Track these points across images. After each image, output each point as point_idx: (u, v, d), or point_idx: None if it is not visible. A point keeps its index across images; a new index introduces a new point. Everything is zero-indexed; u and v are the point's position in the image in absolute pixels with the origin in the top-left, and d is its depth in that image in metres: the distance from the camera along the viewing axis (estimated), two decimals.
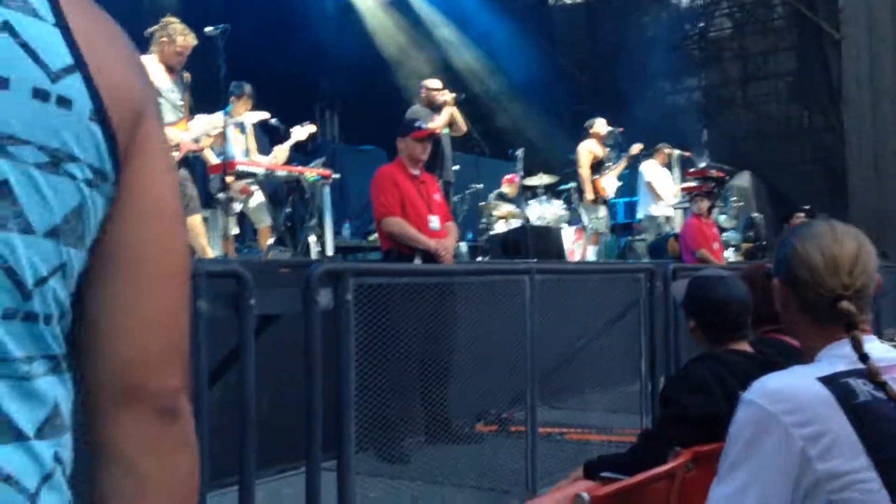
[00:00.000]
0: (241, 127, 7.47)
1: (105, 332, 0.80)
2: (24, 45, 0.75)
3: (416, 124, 5.79)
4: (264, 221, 7.63)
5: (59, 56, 0.77)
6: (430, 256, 5.31)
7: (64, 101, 0.76)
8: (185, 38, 6.16)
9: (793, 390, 1.56)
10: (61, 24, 0.78)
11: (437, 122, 7.52)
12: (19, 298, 0.74)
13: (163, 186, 0.85)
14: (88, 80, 0.78)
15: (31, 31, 0.76)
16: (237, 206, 7.35)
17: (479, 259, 9.19)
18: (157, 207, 0.83)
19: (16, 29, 0.75)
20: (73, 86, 0.77)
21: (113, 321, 0.80)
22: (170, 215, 0.85)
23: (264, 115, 7.57)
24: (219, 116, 6.77)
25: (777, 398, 1.55)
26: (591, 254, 9.67)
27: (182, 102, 6.36)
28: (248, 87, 7.62)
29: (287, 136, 7.74)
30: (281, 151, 7.67)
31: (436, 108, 7.82)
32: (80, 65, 0.78)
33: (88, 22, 0.81)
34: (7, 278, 0.73)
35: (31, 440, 0.74)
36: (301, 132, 7.79)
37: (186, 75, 6.44)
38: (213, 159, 7.29)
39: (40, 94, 0.75)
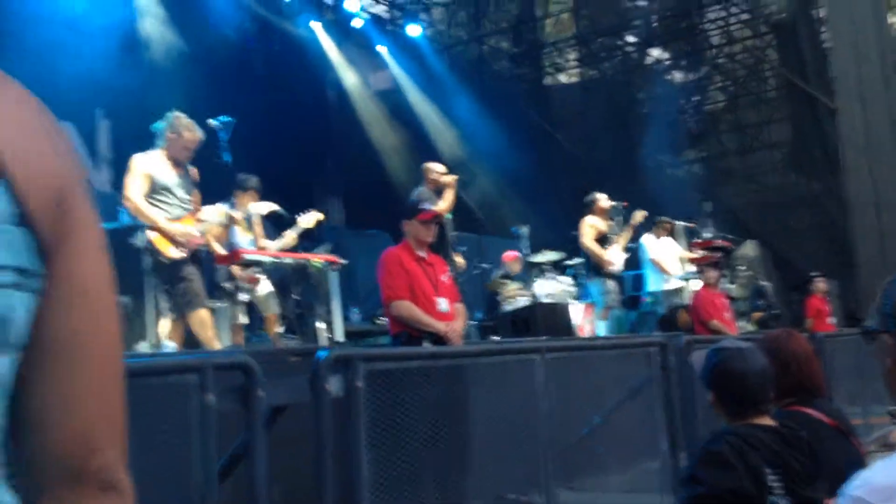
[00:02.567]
0: (248, 219, 7.51)
1: (41, 417, 0.81)
2: None
3: (422, 206, 5.81)
4: (272, 309, 7.60)
5: None
6: (439, 339, 5.26)
7: None
8: (192, 133, 6.24)
9: None
10: None
11: (444, 204, 7.56)
12: None
13: (92, 267, 0.84)
14: (9, 184, 0.76)
15: None
16: (245, 296, 7.33)
17: (490, 339, 9.10)
18: (85, 291, 0.83)
19: None
20: None
21: (48, 407, 0.81)
22: (99, 297, 0.84)
23: (272, 206, 7.62)
24: (223, 208, 6.81)
25: (888, 495, 1.40)
26: (601, 329, 9.58)
27: (190, 197, 6.39)
28: (254, 180, 7.70)
29: (292, 224, 7.78)
30: (289, 238, 7.69)
31: (439, 190, 7.86)
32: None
33: (4, 109, 0.79)
34: None
35: None
36: (308, 220, 7.82)
37: (193, 170, 6.49)
38: (219, 250, 7.30)
39: None
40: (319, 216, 7.96)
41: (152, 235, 6.07)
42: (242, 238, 7.64)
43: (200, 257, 6.46)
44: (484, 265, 9.86)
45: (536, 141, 17.98)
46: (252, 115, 11.19)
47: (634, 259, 11.11)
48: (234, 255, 6.67)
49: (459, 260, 8.35)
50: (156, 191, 6.17)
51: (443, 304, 5.51)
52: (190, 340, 6.57)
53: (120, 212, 6.28)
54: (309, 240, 13.42)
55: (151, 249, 6.08)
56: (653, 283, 11.28)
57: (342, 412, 3.27)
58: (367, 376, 3.36)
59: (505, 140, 16.61)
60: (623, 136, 18.36)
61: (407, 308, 5.34)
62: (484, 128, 16.74)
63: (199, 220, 6.46)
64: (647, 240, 11.26)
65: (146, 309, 7.31)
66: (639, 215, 10.34)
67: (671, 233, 11.55)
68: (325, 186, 15.89)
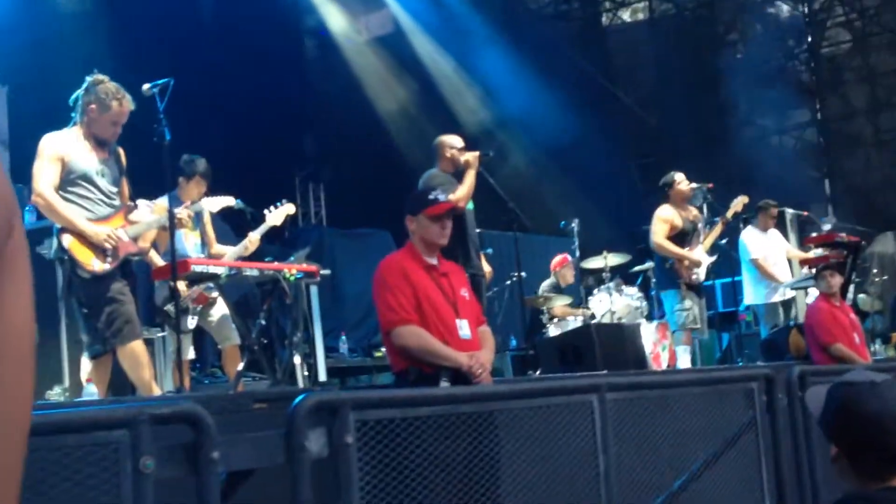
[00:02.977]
0: (196, 217, 7.54)
1: None
2: None
3: (432, 196, 5.79)
4: (231, 339, 7.62)
5: None
6: (460, 376, 5.25)
7: None
8: (120, 104, 6.27)
9: None
10: None
11: (460, 192, 7.55)
12: None
13: (25, 309, 0.92)
14: None
15: None
16: (193, 322, 7.36)
17: (530, 374, 9.11)
18: (12, 337, 0.91)
19: None
20: None
21: None
22: (21, 343, 0.91)
23: (228, 200, 7.65)
24: (163, 204, 6.85)
25: None
26: (683, 358, 9.57)
27: (116, 189, 6.43)
28: (201, 164, 7.74)
29: (258, 223, 7.80)
30: (251, 243, 7.73)
31: (458, 172, 7.87)
32: None
33: None
34: None
35: None
36: (277, 215, 7.86)
37: (120, 152, 6.52)
38: (158, 261, 7.34)
39: None
40: (291, 209, 7.99)
41: (68, 242, 6.10)
42: (189, 243, 7.66)
43: (133, 270, 6.49)
44: (521, 274, 9.84)
45: (590, 102, 17.97)
46: (200, 76, 11.30)
47: (727, 262, 11.07)
48: (179, 267, 6.68)
49: (486, 267, 8.36)
50: (73, 181, 6.21)
51: (464, 328, 5.50)
52: (119, 383, 6.60)
53: (24, 211, 6.34)
54: (280, 243, 13.53)
55: (67, 260, 6.11)
56: (753, 294, 11.23)
57: (327, 479, 3.27)
58: (360, 429, 3.36)
59: (547, 102, 16.62)
60: (707, 92, 18.29)
61: (415, 335, 5.33)
62: (518, 86, 16.76)
63: (132, 221, 6.49)
64: (749, 235, 11.21)
65: (60, 341, 7.39)
66: (739, 202, 10.31)
67: (778, 225, 11.52)
68: (301, 171, 15.98)
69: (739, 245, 11.31)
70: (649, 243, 9.87)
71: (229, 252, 7.75)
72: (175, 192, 7.44)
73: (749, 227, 11.32)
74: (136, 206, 6.64)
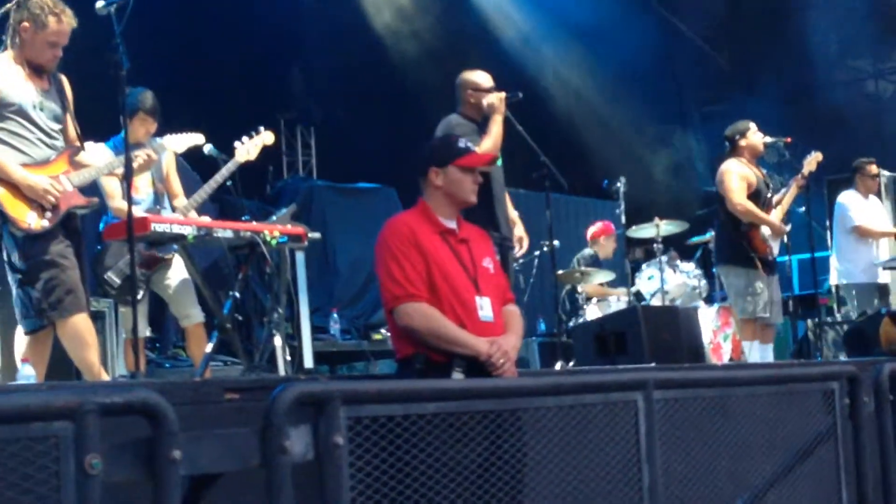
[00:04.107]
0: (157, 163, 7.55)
1: None
2: None
3: (464, 144, 5.79)
4: (193, 317, 7.66)
5: None
6: (478, 366, 5.27)
7: None
8: (58, 20, 6.26)
9: None
10: None
11: (485, 144, 7.54)
12: None
13: None
14: None
15: None
16: (141, 291, 7.38)
17: (560, 365, 9.13)
18: None
19: None
20: None
21: None
22: None
23: (194, 138, 7.65)
24: (97, 154, 6.87)
25: None
26: (751, 350, 9.56)
27: (59, 126, 6.44)
28: (148, 98, 7.71)
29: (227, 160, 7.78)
30: (214, 183, 7.70)
31: (482, 119, 7.86)
32: None
33: None
34: None
35: None
36: (250, 147, 7.83)
37: (64, 81, 6.52)
38: (117, 212, 7.36)
39: None
40: (269, 138, 7.96)
41: None
42: (144, 197, 7.67)
43: (78, 228, 6.50)
44: (553, 243, 9.82)
45: (645, 35, 17.83)
46: None
47: (804, 233, 11.02)
48: (136, 226, 6.70)
49: (518, 232, 8.32)
50: (3, 117, 6.23)
51: (485, 307, 5.50)
52: (60, 365, 6.63)
53: None
54: (260, 198, 13.53)
55: None
56: (843, 272, 11.23)
57: (311, 487, 3.29)
58: (352, 427, 3.37)
59: (591, 35, 16.52)
60: (788, 27, 18.18)
61: (425, 315, 5.34)
62: (558, 15, 16.65)
63: (78, 165, 6.50)
64: (850, 198, 11.21)
65: None
66: (812, 160, 10.25)
67: (878, 191, 11.51)
68: (286, 112, 15.94)
69: (837, 210, 11.29)
70: (716, 208, 9.78)
71: (191, 205, 7.73)
72: (121, 137, 7.43)
73: (850, 191, 11.29)
74: (82, 148, 6.64)
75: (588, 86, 16.97)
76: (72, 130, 6.56)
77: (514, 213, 8.38)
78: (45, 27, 6.22)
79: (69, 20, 6.29)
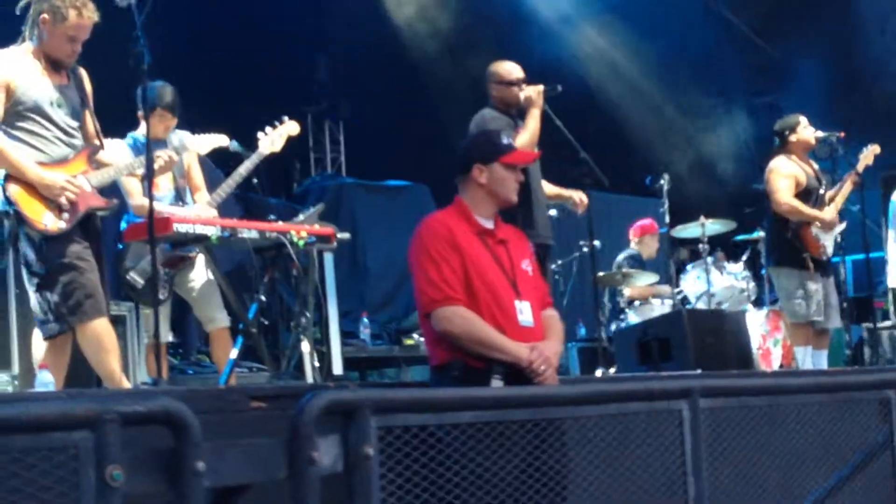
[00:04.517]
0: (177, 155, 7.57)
1: None
2: None
3: (507, 141, 5.81)
4: (218, 321, 7.68)
5: None
6: (517, 374, 5.27)
7: None
8: (79, 13, 6.28)
9: None
10: None
11: (522, 139, 7.55)
12: None
13: None
14: None
15: None
16: (163, 292, 7.40)
17: (601, 372, 9.11)
18: None
19: None
20: None
21: None
22: None
23: (219, 139, 7.65)
24: (115, 151, 6.90)
25: None
26: (804, 357, 9.51)
27: (77, 124, 6.46)
28: (167, 93, 7.71)
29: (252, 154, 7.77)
30: (237, 177, 7.70)
31: (518, 112, 7.86)
32: None
33: None
34: None
35: None
36: (273, 139, 7.83)
37: (84, 76, 6.55)
38: (137, 210, 7.39)
39: None
40: (294, 129, 7.94)
41: (14, 192, 6.15)
42: (165, 194, 7.69)
43: (98, 229, 6.52)
44: (594, 243, 9.79)
45: (691, 24, 17.79)
46: None
47: (859, 232, 10.95)
48: (158, 226, 6.72)
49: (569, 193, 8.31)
50: (20, 114, 6.25)
51: (525, 311, 5.49)
52: (79, 372, 6.65)
53: None
54: (286, 197, 13.53)
55: (13, 215, 6.17)
56: (895, 274, 11.18)
57: (340, 500, 3.29)
58: (383, 438, 3.37)
59: (635, 23, 16.47)
60: (842, 15, 18.06)
61: (463, 319, 5.33)
62: (600, 3, 16.62)
63: (98, 164, 6.53)
64: None
65: (8, 317, 7.46)
66: (869, 153, 10.17)
67: None
68: (314, 105, 15.93)
69: (891, 207, 11.22)
70: (766, 206, 9.74)
71: (212, 203, 7.74)
72: (140, 133, 7.43)
73: None
74: (101, 147, 6.66)
75: (630, 78, 16.91)
76: (91, 127, 6.58)
77: (553, 189, 8.40)
78: (66, 20, 6.23)
79: (90, 14, 6.30)
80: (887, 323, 12.05)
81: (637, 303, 11.29)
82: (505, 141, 5.77)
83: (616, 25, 16.39)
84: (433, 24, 15.58)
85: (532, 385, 5.20)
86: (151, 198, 6.41)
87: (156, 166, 6.70)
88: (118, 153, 7.10)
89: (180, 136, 7.65)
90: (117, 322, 7.44)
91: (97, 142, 6.59)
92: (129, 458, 2.81)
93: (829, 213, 9.52)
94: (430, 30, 15.63)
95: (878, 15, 17.66)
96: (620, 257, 12.18)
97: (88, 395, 5.44)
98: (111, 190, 6.84)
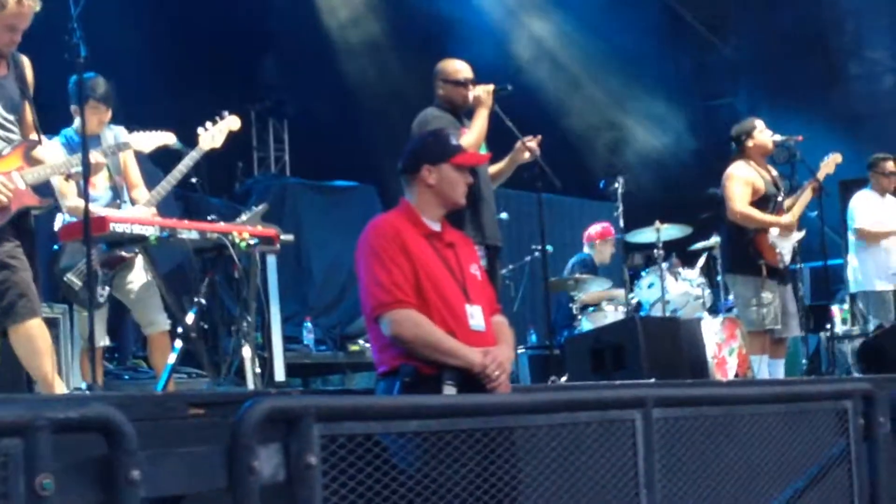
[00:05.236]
0: (113, 154, 7.52)
1: None
2: None
3: (456, 141, 5.84)
4: (158, 324, 7.64)
5: None
6: (470, 379, 5.27)
7: None
8: (18, 2, 6.23)
9: None
10: None
11: (468, 138, 7.55)
12: None
13: None
14: None
15: None
16: (103, 293, 7.36)
17: (552, 381, 9.13)
18: None
19: None
20: None
21: None
22: None
23: (163, 137, 7.62)
24: (48, 148, 6.85)
25: None
26: (760, 366, 9.57)
27: (14, 116, 6.42)
28: (100, 84, 7.67)
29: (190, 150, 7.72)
30: (177, 173, 7.66)
31: (466, 111, 7.87)
32: None
33: None
34: None
35: None
36: (214, 133, 7.79)
37: (26, 64, 6.50)
38: (68, 215, 7.34)
39: None
40: (235, 124, 7.91)
41: None
42: (101, 193, 7.65)
43: (31, 228, 6.48)
44: (545, 248, 9.80)
45: (644, 22, 17.85)
46: None
47: (817, 239, 11.01)
48: (94, 226, 6.68)
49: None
50: None
51: (476, 315, 5.50)
52: (10, 375, 6.60)
53: None
54: (228, 196, 13.49)
55: None
56: (857, 279, 11.24)
57: None
58: (327, 446, 3.36)
59: (584, 20, 16.53)
60: (800, 15, 18.18)
61: (415, 322, 5.32)
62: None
63: (35, 161, 6.48)
64: (861, 200, 11.24)
65: None
66: (830, 161, 10.23)
67: (893, 188, 11.53)
68: (258, 103, 15.89)
69: (848, 213, 11.30)
70: (720, 212, 9.80)
71: (149, 201, 7.69)
72: (73, 129, 7.37)
73: (864, 191, 11.33)
74: (39, 142, 6.61)
75: (583, 77, 16.97)
76: (30, 120, 6.52)
77: (500, 165, 8.34)
78: (4, 8, 6.18)
79: (31, 3, 6.25)
80: (843, 329, 12.16)
81: (590, 309, 11.32)
82: (454, 141, 5.78)
83: (569, 25, 16.44)
84: (381, 20, 15.61)
85: (484, 391, 5.20)
86: (87, 195, 6.38)
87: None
88: (52, 152, 7.04)
89: (115, 132, 7.64)
90: (50, 325, 7.37)
91: (35, 136, 6.54)
92: (60, 466, 2.79)
93: (787, 217, 9.57)
94: (378, 27, 15.66)
95: (836, 19, 17.83)
96: (571, 262, 12.22)
97: (20, 400, 5.41)
98: (46, 188, 6.78)
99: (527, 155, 8.25)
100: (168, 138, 7.59)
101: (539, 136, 8.31)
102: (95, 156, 6.96)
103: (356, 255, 5.51)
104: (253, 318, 7.54)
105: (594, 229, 12.40)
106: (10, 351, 6.28)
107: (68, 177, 6.80)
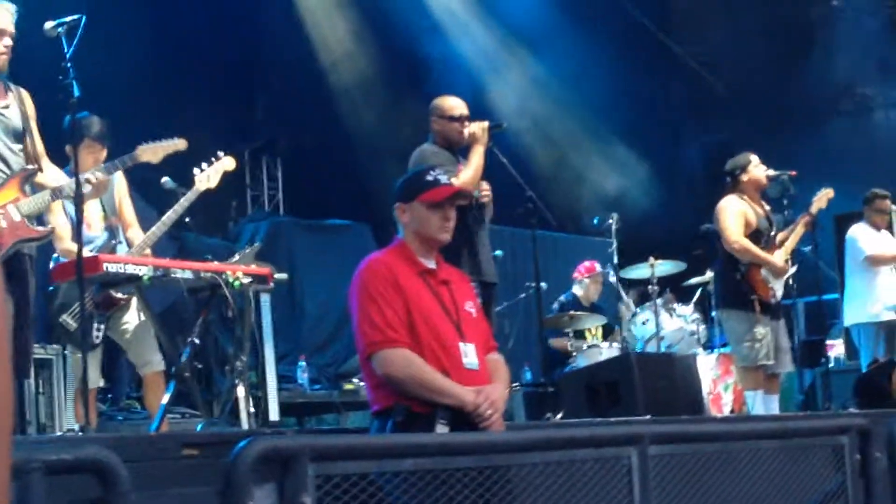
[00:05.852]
0: (107, 196, 7.52)
1: None
2: None
3: (430, 177, 5.79)
4: (152, 364, 7.62)
5: None
6: (463, 418, 5.25)
7: None
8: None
9: None
10: None
11: (465, 176, 7.56)
12: None
13: None
14: None
15: None
16: (98, 334, 7.34)
17: (548, 418, 9.12)
18: None
19: None
20: None
21: None
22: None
23: (172, 144, 7.60)
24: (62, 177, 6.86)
25: None
26: (754, 401, 9.55)
27: (19, 145, 6.43)
28: (95, 123, 7.68)
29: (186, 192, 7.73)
30: (173, 214, 7.65)
31: (462, 149, 7.88)
32: None
33: None
34: None
35: None
36: (210, 173, 7.80)
37: (25, 96, 6.51)
38: (65, 252, 7.33)
39: None
40: (230, 164, 7.91)
41: None
42: (97, 234, 7.65)
43: (25, 271, 6.46)
44: (540, 284, 9.82)
45: (641, 62, 17.92)
46: (120, 11, 11.28)
47: (811, 274, 11.04)
48: (86, 266, 6.67)
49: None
50: None
51: (469, 354, 5.48)
52: None
53: None
54: (222, 235, 13.48)
55: None
56: (856, 311, 11.24)
57: None
58: (321, 486, 3.36)
59: (584, 61, 16.57)
60: (793, 52, 18.26)
61: (407, 361, 5.30)
62: (547, 40, 16.70)
63: (37, 188, 6.47)
64: (861, 231, 11.24)
65: None
66: (823, 196, 10.25)
67: (889, 225, 11.54)
68: (251, 142, 15.89)
69: (847, 245, 11.30)
70: (716, 247, 9.78)
71: (146, 241, 7.69)
72: (68, 170, 7.38)
73: (860, 224, 11.34)
74: (39, 169, 6.58)
75: (577, 113, 16.99)
76: (30, 149, 6.50)
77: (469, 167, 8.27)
78: None
79: (8, 15, 6.27)
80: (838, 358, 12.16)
81: (585, 345, 11.32)
82: (428, 177, 5.71)
83: (564, 62, 16.48)
84: (379, 54, 15.63)
85: (478, 430, 5.18)
86: (80, 234, 6.37)
87: (84, 191, 6.65)
88: (56, 176, 7.02)
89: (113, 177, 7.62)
90: (43, 366, 7.36)
91: (29, 167, 6.49)
92: None
93: (780, 258, 9.57)
94: (377, 62, 15.68)
95: (827, 56, 17.88)
96: (564, 298, 12.22)
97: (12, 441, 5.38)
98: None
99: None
100: (178, 144, 7.56)
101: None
102: (95, 174, 6.96)
103: (349, 293, 5.50)
104: (247, 358, 7.52)
105: (585, 266, 12.42)
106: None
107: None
